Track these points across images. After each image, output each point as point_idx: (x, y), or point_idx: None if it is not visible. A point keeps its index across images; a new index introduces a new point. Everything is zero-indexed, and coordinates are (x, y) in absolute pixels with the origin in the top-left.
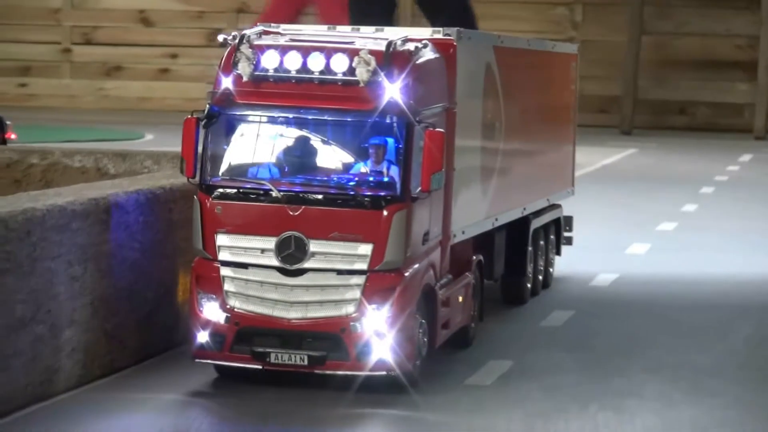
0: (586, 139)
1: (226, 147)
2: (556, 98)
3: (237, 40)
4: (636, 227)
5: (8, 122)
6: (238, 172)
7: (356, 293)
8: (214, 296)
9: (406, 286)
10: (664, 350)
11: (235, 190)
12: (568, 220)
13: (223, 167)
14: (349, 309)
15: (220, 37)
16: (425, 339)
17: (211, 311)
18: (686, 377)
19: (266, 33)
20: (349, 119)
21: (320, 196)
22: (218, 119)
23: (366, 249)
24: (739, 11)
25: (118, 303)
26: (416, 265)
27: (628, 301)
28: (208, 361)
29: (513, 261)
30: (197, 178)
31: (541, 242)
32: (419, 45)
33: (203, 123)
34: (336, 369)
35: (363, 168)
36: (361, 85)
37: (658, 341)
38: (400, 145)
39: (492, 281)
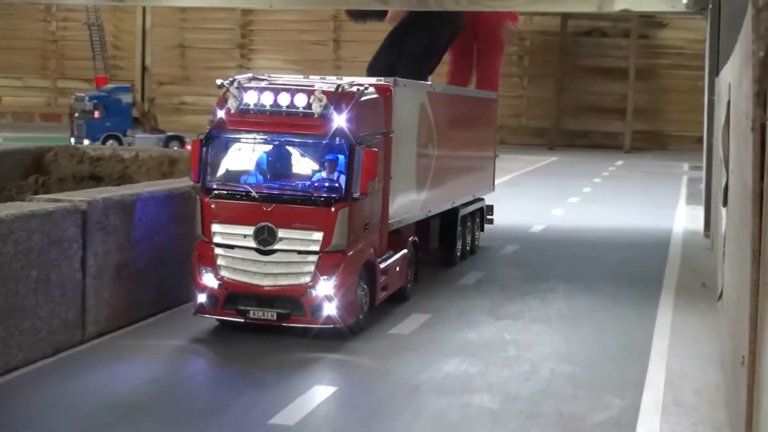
0: (527, 151)
1: (219, 160)
2: (480, 127)
3: (229, 83)
4: (555, 200)
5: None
6: (228, 178)
7: (311, 268)
8: (210, 269)
9: (348, 262)
10: (570, 268)
11: (225, 192)
12: (490, 208)
13: (217, 175)
14: (306, 279)
15: (218, 82)
16: (366, 299)
17: (208, 280)
18: (582, 282)
19: (254, 78)
20: (307, 141)
21: (286, 197)
22: (214, 140)
23: (319, 236)
24: (615, 80)
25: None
26: (358, 246)
27: (550, 240)
28: (206, 315)
29: (446, 237)
30: (200, 183)
31: (468, 224)
32: (362, 88)
33: (203, 143)
34: (297, 323)
35: (318, 177)
36: (316, 116)
37: (567, 262)
38: (345, 160)
39: (428, 253)
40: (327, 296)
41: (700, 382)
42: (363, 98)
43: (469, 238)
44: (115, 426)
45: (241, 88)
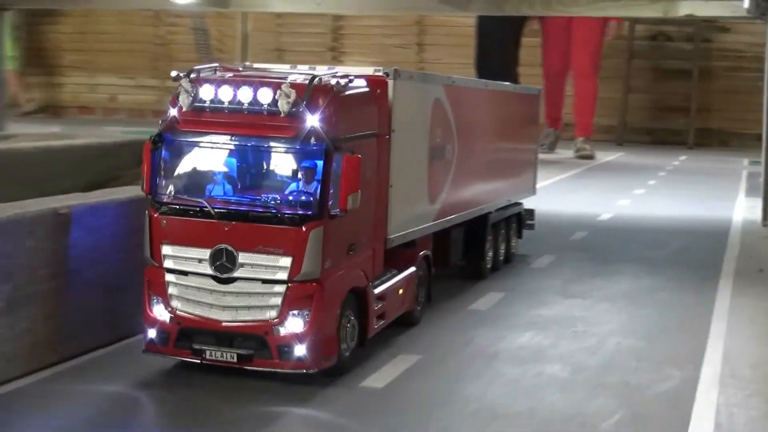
0: (596, 146)
1: (171, 168)
2: (518, 126)
3: (184, 75)
4: (622, 191)
5: None
6: (180, 190)
7: (278, 300)
8: (161, 299)
9: (324, 294)
10: (635, 252)
11: (176, 207)
12: (530, 212)
13: (168, 186)
14: (272, 314)
15: (173, 73)
16: (355, 333)
17: (159, 311)
18: (646, 265)
19: (225, 69)
20: (273, 146)
21: (248, 213)
22: (164, 144)
23: (286, 261)
24: (679, 80)
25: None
26: (339, 273)
27: (617, 227)
28: (156, 354)
29: (472, 248)
30: (150, 195)
31: (502, 231)
32: (343, 80)
33: (152, 147)
34: (261, 366)
35: (286, 189)
36: (283, 114)
37: (632, 247)
38: (319, 168)
39: (448, 267)
40: (297, 335)
41: (755, 358)
42: (345, 93)
43: (503, 247)
44: None
45: (196, 82)
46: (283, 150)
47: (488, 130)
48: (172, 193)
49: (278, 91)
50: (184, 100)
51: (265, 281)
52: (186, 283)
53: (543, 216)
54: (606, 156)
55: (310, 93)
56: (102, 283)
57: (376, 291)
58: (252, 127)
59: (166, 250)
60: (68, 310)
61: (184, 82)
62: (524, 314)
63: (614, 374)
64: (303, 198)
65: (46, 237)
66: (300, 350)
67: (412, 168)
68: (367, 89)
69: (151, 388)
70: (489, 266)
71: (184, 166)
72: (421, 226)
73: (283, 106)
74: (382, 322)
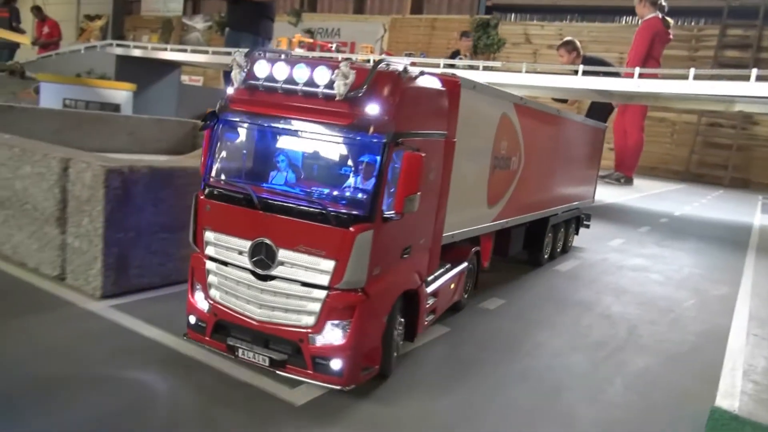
0: (665, 181)
1: (219, 150)
2: (582, 150)
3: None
4: (681, 204)
5: None
6: (226, 174)
7: (316, 307)
8: (201, 286)
9: (368, 305)
10: (693, 233)
11: (220, 191)
12: (587, 215)
13: (216, 168)
14: (309, 321)
15: (232, 51)
16: (401, 337)
17: (200, 299)
18: (699, 240)
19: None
20: (326, 133)
21: (292, 207)
22: (216, 124)
23: (328, 265)
24: (724, 150)
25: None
26: (390, 279)
27: (680, 221)
28: (195, 341)
29: (531, 243)
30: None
31: (561, 230)
32: (413, 71)
33: (205, 126)
34: (294, 374)
35: (336, 183)
36: (338, 98)
37: (690, 231)
38: (375, 163)
39: (506, 258)
40: (335, 348)
41: None
42: (413, 85)
43: (560, 243)
44: None
45: (251, 57)
46: (336, 139)
47: (556, 150)
48: (219, 176)
49: (336, 71)
50: (236, 76)
51: (304, 284)
52: (225, 274)
53: (617, 212)
54: (672, 186)
55: (373, 78)
56: None
57: (429, 289)
58: (304, 111)
59: (208, 236)
60: None
61: (238, 56)
62: (635, 251)
63: (689, 283)
64: (353, 195)
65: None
66: (336, 364)
67: (473, 174)
68: (439, 87)
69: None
70: (546, 257)
71: (232, 149)
72: (478, 227)
73: (340, 87)
74: (432, 317)
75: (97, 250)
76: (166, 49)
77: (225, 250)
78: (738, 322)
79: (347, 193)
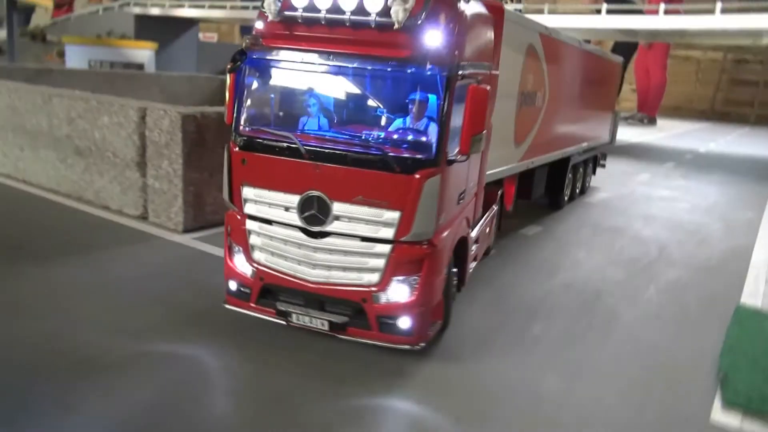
0: (695, 121)
1: (254, 94)
2: (600, 85)
3: None
4: (710, 140)
5: None
6: (264, 121)
7: (380, 263)
8: (242, 248)
9: (436, 257)
10: (719, 167)
11: (259, 142)
12: (603, 155)
13: (250, 116)
14: (372, 279)
15: None
16: (455, 288)
17: (240, 262)
18: (726, 174)
19: None
20: (383, 69)
21: (346, 155)
22: (247, 65)
23: (393, 217)
24: (750, 87)
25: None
26: (449, 230)
27: (710, 156)
28: (238, 309)
29: (553, 185)
30: (232, 127)
31: (581, 170)
32: None
33: (232, 67)
34: (357, 336)
35: (396, 125)
36: (397, 27)
37: (717, 165)
38: (439, 101)
39: (530, 200)
40: (402, 305)
41: None
42: (468, 10)
43: (579, 183)
44: None
45: None
46: (394, 74)
47: (577, 84)
48: (254, 125)
49: None
50: (270, 7)
51: (364, 239)
52: (270, 234)
53: (642, 150)
54: (700, 125)
55: (432, 3)
56: None
57: (473, 235)
58: (356, 44)
59: (247, 193)
60: None
61: None
62: (663, 183)
63: (715, 210)
64: (417, 138)
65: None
66: (405, 323)
67: (505, 110)
68: (486, 13)
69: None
70: (566, 199)
71: (269, 93)
72: (508, 166)
73: (399, 14)
74: (474, 264)
75: (177, 190)
76: (183, 6)
77: (268, 207)
78: (762, 241)
79: (409, 136)
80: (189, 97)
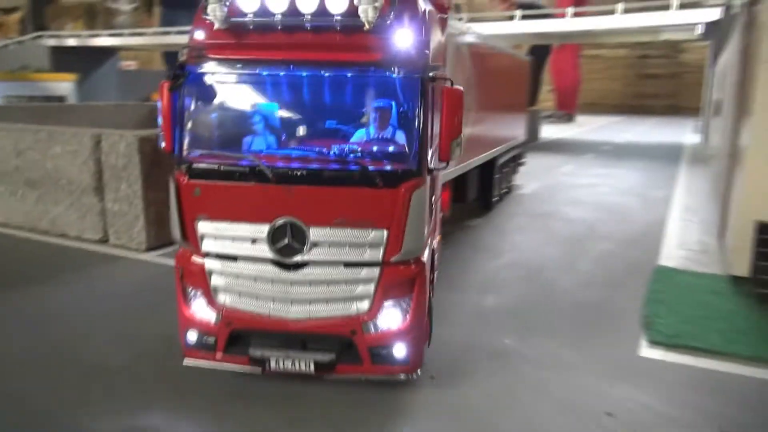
0: (606, 114)
1: (202, 115)
2: (513, 83)
3: None
4: (622, 132)
5: None
6: (217, 144)
7: (369, 289)
8: (201, 292)
9: (424, 274)
10: (631, 155)
11: (215, 168)
12: (522, 154)
13: (198, 140)
14: (362, 307)
15: None
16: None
17: (200, 309)
18: (639, 161)
19: None
20: (351, 74)
21: (320, 173)
22: (190, 80)
23: (379, 236)
24: (655, 80)
25: None
26: (430, 239)
27: (620, 146)
28: (201, 363)
29: (484, 186)
30: (175, 154)
31: (506, 169)
32: None
33: (173, 85)
34: (348, 374)
35: (371, 136)
36: (367, 28)
37: (629, 152)
38: (416, 106)
39: (465, 203)
40: (395, 332)
41: (699, 189)
42: (429, 10)
43: (506, 183)
44: None
45: None
46: (365, 80)
47: (496, 85)
48: (207, 149)
49: None
50: (215, 13)
51: (348, 264)
52: (236, 271)
53: (564, 145)
54: (612, 120)
55: (399, 1)
56: None
57: (435, 242)
58: (319, 49)
59: (203, 228)
60: None
61: None
62: (587, 172)
63: (632, 191)
64: (396, 148)
65: None
66: (400, 351)
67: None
68: (435, 12)
69: None
70: (495, 200)
71: (221, 110)
72: (452, 169)
73: (368, 13)
74: (436, 273)
75: (138, 210)
76: (101, 36)
77: (231, 241)
78: (674, 213)
79: (388, 146)
80: (120, 125)
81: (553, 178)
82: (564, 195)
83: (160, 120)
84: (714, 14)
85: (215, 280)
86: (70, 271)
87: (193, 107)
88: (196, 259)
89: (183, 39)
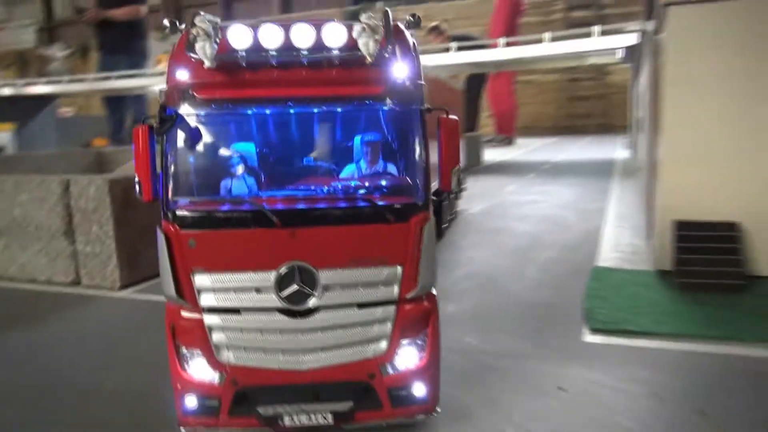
0: (541, 136)
1: (192, 159)
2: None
3: (196, 17)
4: (557, 152)
5: None
6: (212, 189)
7: (386, 328)
8: (201, 352)
9: (437, 306)
10: (568, 173)
11: (210, 215)
12: (464, 179)
13: (192, 185)
14: (379, 348)
15: (166, 21)
16: None
17: (199, 370)
18: (575, 177)
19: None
20: (354, 109)
21: (328, 213)
22: (177, 125)
23: (394, 273)
24: (585, 101)
25: None
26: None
27: (557, 165)
28: (201, 428)
29: (435, 212)
30: (161, 204)
31: (452, 196)
32: (411, 18)
33: (157, 130)
34: (367, 420)
35: (375, 170)
36: (369, 61)
37: (566, 171)
38: (417, 137)
39: None
40: (415, 371)
41: (629, 198)
42: (413, 40)
43: (452, 210)
44: None
45: (218, 26)
46: (367, 114)
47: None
48: (200, 195)
49: (357, 27)
50: (205, 51)
51: (362, 305)
52: (240, 325)
53: (506, 167)
54: (548, 141)
55: (394, 32)
56: None
57: None
58: (318, 84)
59: (201, 281)
60: None
61: (200, 22)
62: (528, 190)
63: (571, 205)
64: (403, 181)
65: None
66: (420, 390)
67: None
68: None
69: None
70: (445, 226)
71: (213, 154)
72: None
73: (370, 47)
74: None
75: (111, 250)
76: (38, 83)
77: (233, 293)
78: (609, 221)
79: (394, 181)
80: (69, 173)
81: (499, 197)
82: (510, 212)
83: (134, 167)
84: (632, 39)
85: (216, 337)
86: (49, 313)
87: (183, 151)
88: (192, 315)
89: (125, 83)
